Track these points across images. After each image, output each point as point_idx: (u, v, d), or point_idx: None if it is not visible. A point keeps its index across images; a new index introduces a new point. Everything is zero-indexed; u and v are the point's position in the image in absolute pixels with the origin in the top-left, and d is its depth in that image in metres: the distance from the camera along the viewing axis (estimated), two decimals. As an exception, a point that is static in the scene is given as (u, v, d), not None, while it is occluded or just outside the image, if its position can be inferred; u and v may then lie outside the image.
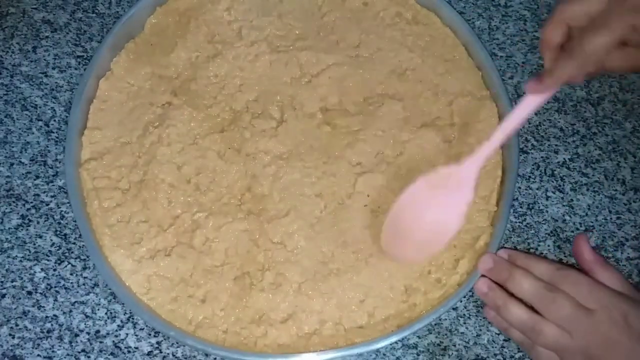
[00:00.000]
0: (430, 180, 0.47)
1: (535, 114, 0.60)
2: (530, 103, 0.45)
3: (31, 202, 0.55)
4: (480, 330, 0.52)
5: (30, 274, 0.52)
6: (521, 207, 0.57)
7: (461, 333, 0.52)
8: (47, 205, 0.55)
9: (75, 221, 0.53)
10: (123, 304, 0.51)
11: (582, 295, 0.46)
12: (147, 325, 0.51)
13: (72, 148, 0.53)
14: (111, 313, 0.51)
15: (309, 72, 0.57)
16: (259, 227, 0.51)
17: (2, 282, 0.52)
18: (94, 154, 0.54)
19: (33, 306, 0.51)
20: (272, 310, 0.49)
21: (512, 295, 0.48)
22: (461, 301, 0.53)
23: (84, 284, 0.52)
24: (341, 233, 0.51)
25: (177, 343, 0.50)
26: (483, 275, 0.50)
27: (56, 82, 0.60)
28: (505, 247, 0.51)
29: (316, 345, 0.48)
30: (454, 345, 0.51)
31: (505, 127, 0.45)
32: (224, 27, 0.59)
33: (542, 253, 0.55)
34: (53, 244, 0.53)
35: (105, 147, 0.54)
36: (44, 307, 0.51)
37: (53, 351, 0.50)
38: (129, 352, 0.50)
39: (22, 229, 0.54)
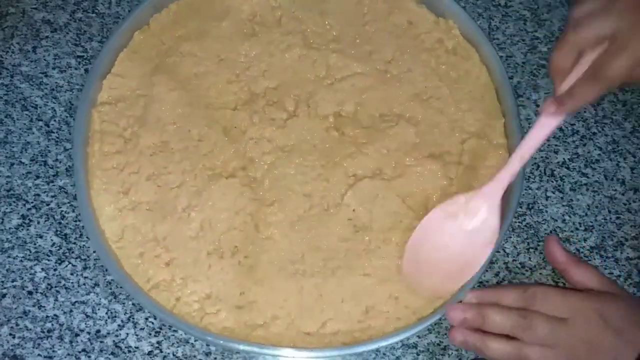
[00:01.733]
0: (447, 208, 0.47)
1: (535, 114, 0.61)
2: (547, 125, 0.44)
3: (31, 202, 0.55)
4: (480, 330, 0.52)
5: (30, 274, 0.52)
6: (521, 207, 0.57)
7: (461, 333, 0.52)
8: (48, 205, 0.55)
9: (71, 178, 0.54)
10: (93, 249, 0.53)
11: (553, 308, 0.46)
12: (147, 325, 0.51)
13: (90, 87, 0.55)
14: (112, 313, 0.51)
15: (334, 75, 0.57)
16: (241, 207, 0.51)
17: (2, 282, 0.52)
18: (110, 98, 0.55)
19: (33, 306, 0.51)
20: (229, 292, 0.49)
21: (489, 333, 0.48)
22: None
23: (84, 284, 0.52)
24: (317, 238, 0.51)
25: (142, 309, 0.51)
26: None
27: (56, 82, 0.60)
28: (473, 289, 0.49)
29: (258, 338, 0.48)
30: (454, 345, 0.52)
31: (522, 152, 0.45)
32: (267, 10, 0.59)
33: (542, 253, 0.55)
34: (53, 243, 0.53)
35: (122, 94, 0.55)
36: (44, 307, 0.51)
37: (53, 351, 0.50)
38: (129, 351, 0.50)
39: (22, 229, 0.54)
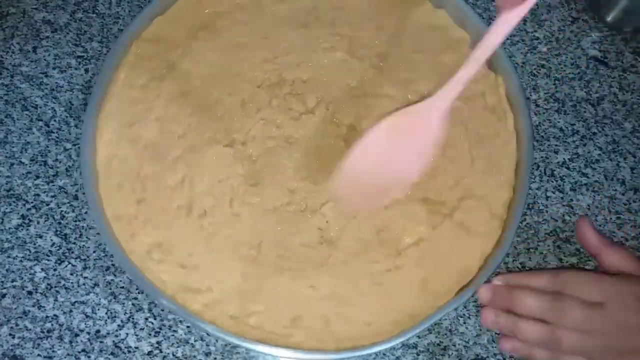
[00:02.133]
0: (396, 120, 0.44)
1: (535, 114, 0.61)
2: (505, 22, 0.40)
3: (31, 202, 0.55)
4: (480, 330, 0.52)
5: (30, 274, 0.52)
6: (521, 207, 0.57)
7: (461, 333, 0.52)
8: (48, 205, 0.55)
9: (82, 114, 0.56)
10: (79, 165, 0.55)
11: (587, 293, 0.45)
12: (147, 325, 0.51)
13: (139, 22, 0.57)
14: (111, 313, 0.51)
15: (364, 88, 0.56)
16: (225, 177, 0.52)
17: (2, 282, 0.52)
18: (154, 36, 0.57)
19: (33, 306, 0.51)
20: (180, 248, 0.50)
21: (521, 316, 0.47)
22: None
23: (84, 284, 0.52)
24: (282, 234, 0.51)
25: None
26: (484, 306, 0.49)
27: (56, 82, 0.60)
28: (499, 273, 0.50)
29: (183, 300, 0.49)
30: (454, 345, 0.51)
31: (479, 53, 0.41)
32: (326, 7, 0.60)
33: (542, 253, 0.55)
34: (53, 244, 0.53)
35: (165, 37, 0.57)
36: (44, 307, 0.51)
37: (53, 351, 0.50)
38: (129, 352, 0.50)
39: (22, 229, 0.54)
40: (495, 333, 0.52)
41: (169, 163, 0.53)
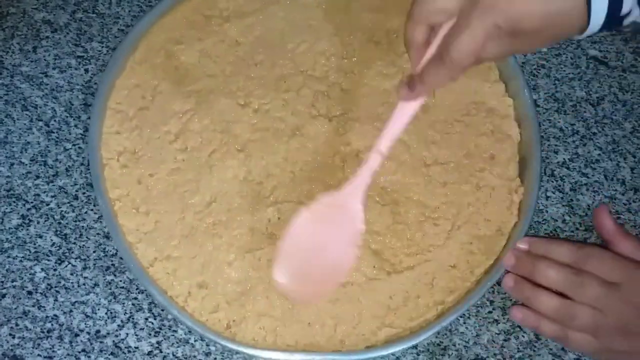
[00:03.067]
0: (315, 210, 0.45)
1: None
2: (405, 112, 0.42)
3: (31, 202, 0.55)
4: (480, 330, 0.52)
5: (30, 274, 0.52)
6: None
7: (461, 333, 0.52)
8: (48, 205, 0.55)
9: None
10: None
11: (607, 271, 0.47)
12: (147, 325, 0.51)
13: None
14: (111, 313, 0.51)
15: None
16: (223, 125, 0.54)
17: (2, 282, 0.52)
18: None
19: (33, 306, 0.51)
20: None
21: (539, 286, 0.49)
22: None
23: (84, 284, 0.52)
24: (236, 206, 0.51)
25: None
26: (508, 271, 0.51)
27: (56, 82, 0.60)
28: (526, 236, 0.51)
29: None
30: (454, 345, 0.51)
31: (382, 143, 0.43)
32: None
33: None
34: (53, 244, 0.53)
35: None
36: (44, 307, 0.51)
37: (53, 351, 0.50)
38: (129, 352, 0.50)
39: (22, 229, 0.54)
40: (495, 332, 0.52)
41: (185, 92, 0.55)
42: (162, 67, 0.56)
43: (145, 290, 0.51)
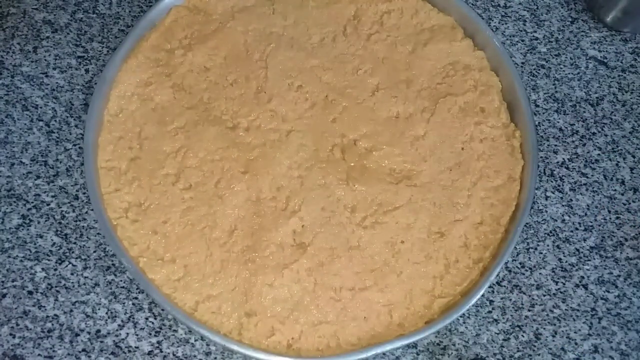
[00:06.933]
0: None
1: (535, 114, 0.61)
2: None
3: (32, 202, 0.55)
4: (480, 329, 0.52)
5: (31, 274, 0.52)
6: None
7: (460, 332, 0.52)
8: (48, 205, 0.55)
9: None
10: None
11: None
12: (147, 325, 0.51)
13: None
14: (112, 313, 0.51)
15: (399, 129, 0.55)
16: (220, 152, 0.53)
17: (3, 282, 0.52)
18: (195, 5, 0.59)
19: (34, 306, 0.51)
20: (156, 213, 0.51)
21: None
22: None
23: (84, 284, 0.52)
24: (256, 227, 0.51)
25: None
26: None
27: (57, 83, 0.60)
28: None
29: (141, 262, 0.49)
30: (454, 345, 0.52)
31: None
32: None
33: (541, 253, 0.55)
34: (54, 243, 0.53)
35: (205, 9, 0.59)
36: (44, 306, 0.51)
37: (54, 351, 0.50)
38: (129, 351, 0.50)
39: (22, 229, 0.54)
40: (495, 332, 0.52)
41: (171, 130, 0.54)
42: (140, 113, 0.54)
43: (173, 316, 0.49)
